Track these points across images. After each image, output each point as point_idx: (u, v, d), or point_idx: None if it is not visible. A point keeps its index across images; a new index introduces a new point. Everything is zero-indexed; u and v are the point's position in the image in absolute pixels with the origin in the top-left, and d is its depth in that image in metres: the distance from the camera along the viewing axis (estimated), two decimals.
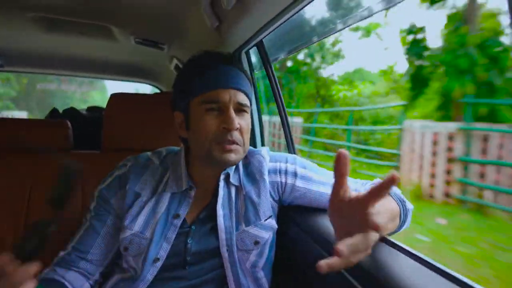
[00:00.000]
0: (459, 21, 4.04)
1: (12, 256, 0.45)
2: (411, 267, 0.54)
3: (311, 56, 10.45)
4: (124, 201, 0.74)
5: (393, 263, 0.54)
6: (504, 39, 3.79)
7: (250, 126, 0.76)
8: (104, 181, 0.78)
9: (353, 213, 0.45)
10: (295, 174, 0.80)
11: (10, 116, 1.64)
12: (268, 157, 0.83)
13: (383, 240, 0.61)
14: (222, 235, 0.73)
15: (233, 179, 0.78)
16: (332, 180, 0.46)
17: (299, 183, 0.79)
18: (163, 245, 0.71)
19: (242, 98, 0.72)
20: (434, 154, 4.08)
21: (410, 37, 4.75)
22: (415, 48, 4.60)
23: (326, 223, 0.74)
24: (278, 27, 0.91)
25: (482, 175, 3.68)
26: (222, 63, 0.73)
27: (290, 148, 1.11)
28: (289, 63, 10.41)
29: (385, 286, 0.50)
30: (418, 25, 4.74)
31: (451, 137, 3.92)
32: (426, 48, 4.64)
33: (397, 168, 4.54)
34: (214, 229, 0.74)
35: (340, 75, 10.90)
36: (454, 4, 4.76)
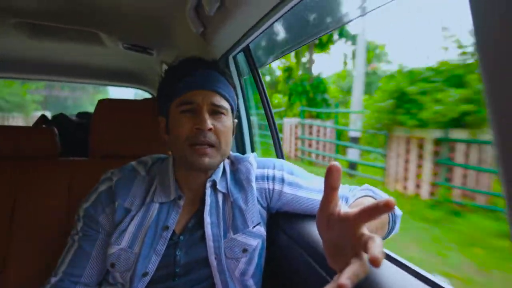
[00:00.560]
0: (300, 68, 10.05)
1: None
2: (396, 274, 0.53)
3: None
4: (114, 217, 0.72)
5: (381, 271, 0.54)
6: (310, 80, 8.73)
7: (229, 129, 0.74)
8: (88, 199, 0.75)
9: (342, 228, 0.43)
10: (282, 180, 0.79)
11: (38, 115, 1.63)
12: (256, 164, 0.82)
13: None
14: (210, 243, 0.72)
15: (220, 186, 0.77)
16: (320, 186, 0.44)
17: (287, 189, 0.78)
18: (152, 258, 0.69)
19: (217, 99, 0.71)
20: (290, 135, 8.22)
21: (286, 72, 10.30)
22: (287, 79, 10.00)
23: (315, 231, 0.74)
24: (263, 32, 0.91)
25: (310, 145, 7.64)
26: (202, 68, 0.72)
27: (278, 152, 1.11)
28: None
29: None
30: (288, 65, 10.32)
31: (296, 126, 7.99)
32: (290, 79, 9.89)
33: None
34: (203, 237, 0.73)
35: None
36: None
